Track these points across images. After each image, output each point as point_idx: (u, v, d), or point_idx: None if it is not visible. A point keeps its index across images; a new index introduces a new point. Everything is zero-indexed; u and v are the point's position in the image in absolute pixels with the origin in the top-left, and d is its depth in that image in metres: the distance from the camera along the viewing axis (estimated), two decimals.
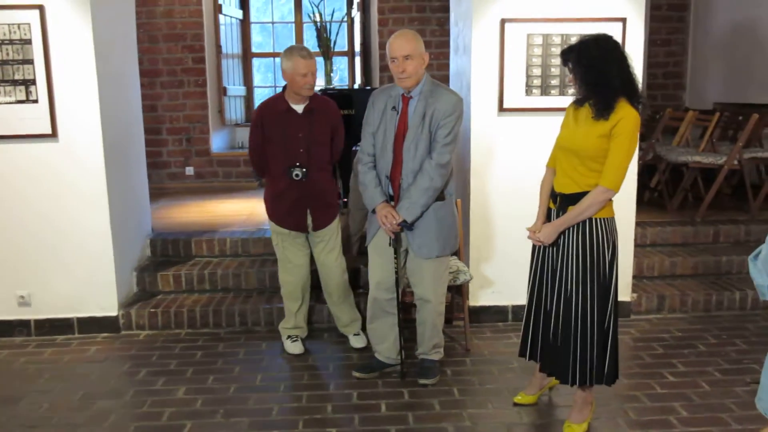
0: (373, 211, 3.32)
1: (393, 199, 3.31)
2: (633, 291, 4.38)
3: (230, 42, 7.40)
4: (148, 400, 3.34)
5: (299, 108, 3.65)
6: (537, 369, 3.11)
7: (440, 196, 3.27)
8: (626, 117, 2.65)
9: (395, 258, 3.33)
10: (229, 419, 3.13)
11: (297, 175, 3.64)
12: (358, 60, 7.48)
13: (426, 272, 3.33)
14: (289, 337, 3.92)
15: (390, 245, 3.30)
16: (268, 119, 3.65)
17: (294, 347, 3.86)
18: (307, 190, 3.68)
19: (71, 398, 3.38)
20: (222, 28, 7.19)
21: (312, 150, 3.66)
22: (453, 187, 3.37)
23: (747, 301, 4.42)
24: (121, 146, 4.37)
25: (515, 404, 3.14)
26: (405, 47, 3.12)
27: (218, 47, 7.14)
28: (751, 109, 5.66)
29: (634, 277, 4.42)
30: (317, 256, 3.85)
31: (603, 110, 2.66)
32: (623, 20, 3.94)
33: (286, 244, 3.81)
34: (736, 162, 5.12)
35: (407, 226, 3.25)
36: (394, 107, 3.25)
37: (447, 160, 3.20)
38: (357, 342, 3.93)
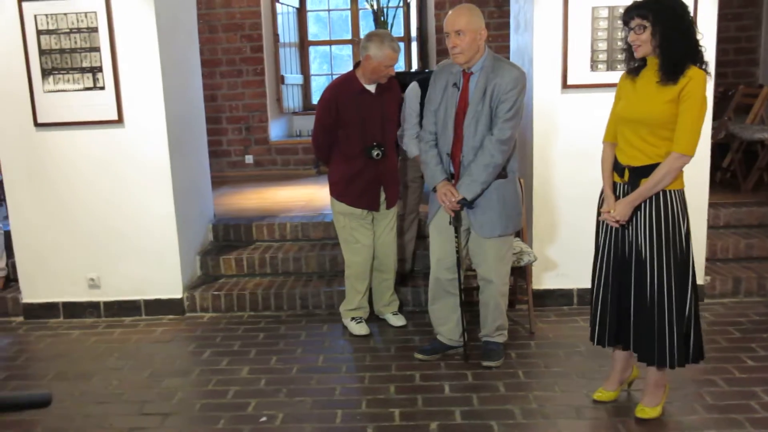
0: (434, 190, 3.27)
1: (454, 177, 3.24)
2: (706, 274, 4.19)
3: (287, 31, 7.45)
4: (213, 378, 3.39)
5: (372, 88, 3.66)
6: (615, 363, 2.98)
7: (502, 174, 3.19)
8: (695, 78, 2.54)
9: (456, 237, 3.27)
10: (293, 398, 3.14)
11: (378, 155, 3.64)
12: (414, 45, 7.42)
13: (488, 252, 3.26)
14: (353, 318, 3.90)
15: (450, 224, 3.24)
16: (344, 101, 3.63)
17: (360, 328, 3.85)
18: (383, 168, 3.70)
19: (140, 376, 3.46)
20: (279, 17, 7.23)
21: (386, 128, 3.68)
22: (516, 164, 3.29)
23: None
24: (184, 133, 4.45)
25: (595, 401, 2.98)
26: (456, 22, 3.06)
27: (276, 36, 7.20)
28: None
29: (707, 259, 4.23)
30: (380, 234, 3.85)
31: (672, 73, 2.54)
32: None
33: (354, 224, 3.79)
34: None
35: (467, 204, 3.18)
36: (455, 84, 3.19)
37: (508, 135, 3.11)
38: (397, 321, 3.94)
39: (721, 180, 5.53)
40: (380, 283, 3.96)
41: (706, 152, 3.99)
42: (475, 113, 3.12)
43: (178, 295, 4.31)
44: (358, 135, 3.64)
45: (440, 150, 3.26)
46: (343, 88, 3.67)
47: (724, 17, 6.55)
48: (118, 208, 4.22)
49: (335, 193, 3.80)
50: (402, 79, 3.91)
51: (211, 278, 4.54)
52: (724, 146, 5.61)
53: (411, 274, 4.35)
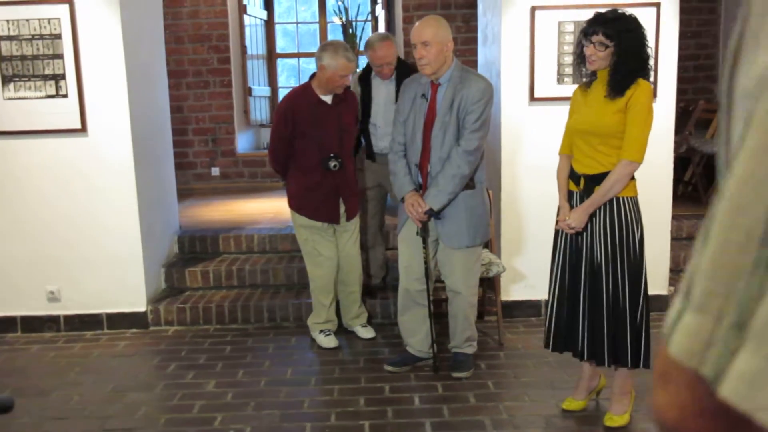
0: (402, 201, 3.27)
1: (422, 188, 3.25)
2: (670, 284, 4.26)
3: (255, 43, 7.41)
4: (178, 393, 3.31)
5: (328, 99, 3.63)
6: (583, 372, 3.00)
7: (470, 185, 3.21)
8: (640, 87, 2.63)
9: (424, 248, 3.27)
10: (261, 412, 3.08)
11: (335, 166, 3.61)
12: None
13: (456, 263, 3.26)
14: (321, 331, 3.86)
15: (418, 234, 3.24)
16: (300, 111, 3.60)
17: (329, 341, 3.81)
18: (340, 180, 3.67)
19: (102, 391, 3.36)
20: (247, 29, 7.20)
21: (343, 139, 3.66)
22: (483, 175, 3.31)
23: None
24: (150, 142, 4.37)
25: (564, 410, 3.00)
26: (423, 33, 3.08)
27: (243, 48, 7.15)
28: None
29: (670, 270, 4.30)
30: (342, 247, 3.81)
31: (620, 89, 2.63)
32: (657, 5, 3.85)
33: (315, 237, 3.76)
34: None
35: (434, 214, 3.19)
36: (423, 95, 3.20)
37: (475, 146, 3.14)
38: (366, 333, 3.90)
39: (682, 193, 5.65)
40: (346, 296, 3.93)
41: (669, 166, 4.08)
42: (443, 124, 3.13)
43: (142, 308, 4.22)
44: (315, 146, 3.61)
45: (409, 161, 3.26)
46: (299, 99, 3.64)
47: (684, 35, 6.71)
48: (80, 219, 4.12)
49: (294, 206, 3.76)
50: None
51: (176, 291, 4.46)
52: (684, 160, 5.74)
53: (383, 285, 4.34)
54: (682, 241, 4.71)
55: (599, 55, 2.64)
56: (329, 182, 3.65)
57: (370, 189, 4.12)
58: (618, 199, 2.70)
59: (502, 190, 4.06)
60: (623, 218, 2.70)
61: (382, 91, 3.96)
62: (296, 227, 3.82)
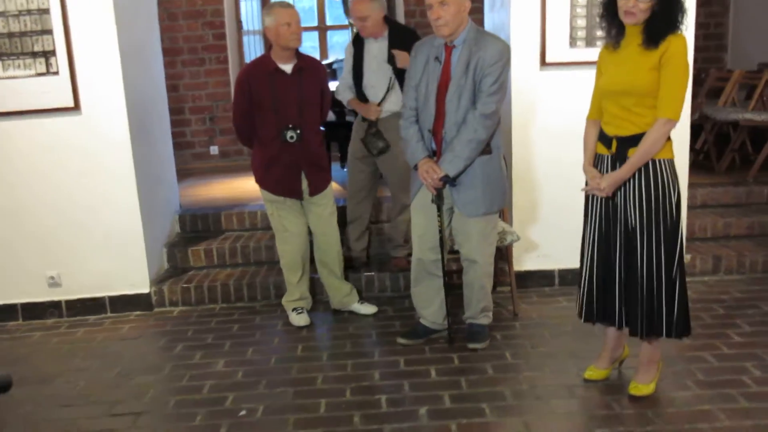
0: (415, 168, 3.14)
1: (436, 154, 3.12)
2: (687, 252, 4.15)
3: (251, 18, 7.23)
4: (186, 374, 3.20)
5: (288, 68, 3.48)
6: (607, 341, 2.90)
7: (486, 150, 3.08)
8: (676, 41, 2.49)
9: (439, 216, 3.15)
10: (273, 389, 2.99)
11: (291, 137, 3.47)
12: None
13: (472, 231, 3.15)
14: (294, 309, 3.74)
15: (432, 202, 3.12)
16: (256, 82, 3.46)
17: (300, 319, 3.69)
18: (300, 153, 3.52)
19: (108, 376, 3.26)
20: (242, 4, 7.01)
21: (305, 110, 3.50)
22: (500, 140, 3.18)
23: None
24: (146, 119, 4.23)
25: (586, 380, 2.90)
26: None
27: (239, 23, 6.98)
28: None
29: (686, 238, 4.20)
30: (314, 224, 3.68)
31: (658, 38, 2.48)
32: None
33: (281, 212, 3.64)
34: None
35: (449, 181, 3.06)
36: (437, 57, 3.06)
37: (492, 110, 3.00)
38: (368, 309, 3.79)
39: (694, 161, 5.52)
40: (327, 276, 3.79)
41: (685, 132, 3.95)
42: (458, 87, 3.00)
43: (146, 290, 4.10)
44: (273, 117, 3.47)
45: (421, 126, 3.13)
46: (256, 69, 3.51)
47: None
48: (77, 201, 3.98)
49: (257, 180, 3.65)
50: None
51: (180, 271, 4.34)
52: (696, 128, 5.61)
53: (366, 260, 4.23)
54: (696, 209, 4.60)
55: (641, 6, 2.47)
56: (289, 155, 3.51)
57: (360, 158, 3.97)
58: (654, 161, 2.57)
59: (513, 158, 3.93)
60: (660, 181, 2.57)
61: (371, 51, 3.84)
62: (264, 201, 3.71)
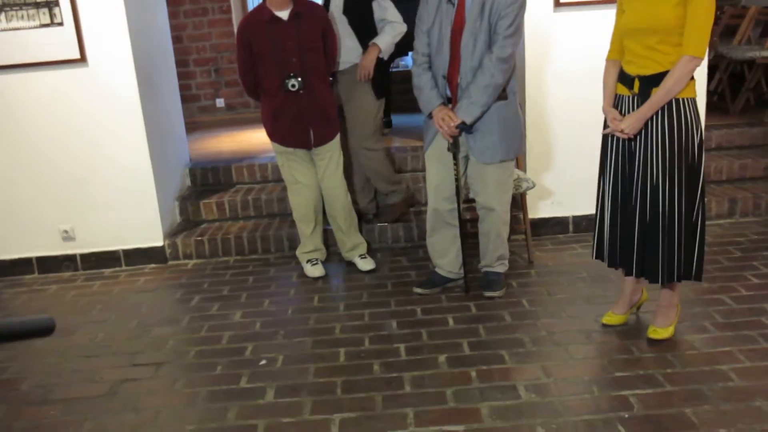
0: (429, 116, 3.08)
1: (451, 101, 3.06)
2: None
3: None
4: (205, 325, 3.23)
5: (284, 14, 3.38)
6: (625, 286, 2.88)
7: (502, 95, 3.02)
8: None
9: (455, 164, 3.11)
10: (292, 339, 3.01)
11: (293, 86, 3.40)
12: None
13: (489, 178, 3.11)
14: (309, 261, 3.75)
15: (448, 150, 3.07)
16: (254, 33, 3.38)
17: (315, 270, 3.70)
18: (305, 102, 3.45)
19: (127, 327, 3.29)
20: None
21: (305, 57, 3.41)
22: (516, 85, 3.11)
23: None
24: (153, 71, 4.16)
25: (604, 325, 2.90)
26: None
27: None
28: None
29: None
30: (321, 177, 3.64)
31: None
32: None
33: (291, 163, 3.61)
34: None
35: (466, 128, 3.01)
36: (450, 0, 2.96)
37: (509, 53, 2.93)
38: (365, 264, 3.74)
39: (708, 102, 5.42)
40: (336, 228, 3.77)
41: (702, 71, 3.87)
42: (473, 30, 2.91)
43: (159, 243, 4.11)
44: (274, 67, 3.40)
45: (435, 73, 3.05)
46: (252, 19, 3.42)
47: None
48: (87, 155, 3.96)
49: (267, 133, 3.61)
50: None
51: (192, 224, 4.34)
52: (710, 69, 5.49)
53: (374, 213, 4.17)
54: (711, 151, 4.54)
55: None
56: (293, 105, 3.45)
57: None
58: (677, 100, 2.50)
59: (527, 103, 3.87)
60: (683, 121, 2.51)
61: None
62: (275, 153, 3.67)
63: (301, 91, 3.43)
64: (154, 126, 4.06)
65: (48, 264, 4.10)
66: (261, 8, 3.43)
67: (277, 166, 4.53)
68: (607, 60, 2.72)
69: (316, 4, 3.55)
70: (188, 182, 4.61)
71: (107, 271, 4.07)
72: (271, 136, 3.60)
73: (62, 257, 4.10)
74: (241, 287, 3.66)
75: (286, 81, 3.40)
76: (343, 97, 3.83)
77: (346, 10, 3.69)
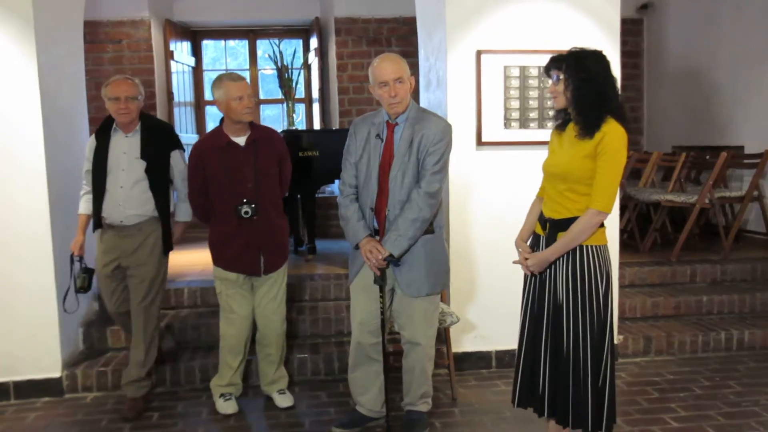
0: (356, 247, 3.05)
1: (378, 233, 3.05)
2: (618, 333, 4.19)
3: (183, 90, 7.13)
4: None
5: (241, 140, 3.39)
6: (549, 428, 2.77)
7: (429, 229, 3.03)
8: (611, 132, 2.44)
9: (381, 297, 3.04)
10: None
11: (246, 213, 3.34)
12: (316, 106, 7.32)
13: (415, 312, 3.06)
14: (222, 395, 3.52)
15: (375, 283, 3.02)
16: (208, 157, 3.36)
17: (228, 407, 3.47)
18: (258, 228, 3.39)
19: None
20: (174, 75, 6.92)
21: (261, 183, 3.38)
22: (442, 220, 3.14)
23: (732, 342, 4.29)
24: (68, 190, 3.98)
25: None
26: (397, 70, 2.93)
27: (170, 94, 6.86)
28: (711, 151, 5.73)
29: (617, 318, 4.24)
30: (258, 303, 3.50)
31: (589, 128, 2.47)
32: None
33: (230, 292, 3.47)
34: (707, 201, 5.09)
35: (394, 261, 2.98)
36: (378, 135, 3.03)
37: (436, 189, 2.98)
38: (283, 401, 3.53)
39: (620, 240, 5.68)
40: (263, 357, 3.59)
41: (615, 213, 4.06)
42: (402, 165, 2.96)
43: (56, 374, 3.76)
44: (227, 192, 3.36)
45: (362, 204, 3.06)
46: (208, 142, 3.42)
47: None
48: None
49: (212, 257, 3.50)
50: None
51: (97, 352, 4.02)
52: (620, 208, 5.82)
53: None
54: (625, 288, 4.70)
55: (557, 89, 2.52)
56: (246, 231, 3.38)
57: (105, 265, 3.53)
58: (582, 247, 2.51)
59: (451, 237, 3.92)
60: (586, 268, 2.50)
61: (121, 146, 3.46)
62: (214, 279, 3.53)
63: (255, 217, 3.36)
64: (63, 246, 3.83)
65: None
66: (216, 133, 3.41)
67: (193, 291, 4.36)
68: (536, 196, 2.79)
69: (273, 130, 3.56)
70: (96, 306, 4.33)
71: None
72: (216, 261, 3.47)
73: None
74: (144, 425, 3.35)
75: (239, 207, 3.33)
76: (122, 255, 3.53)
77: (143, 155, 3.42)
